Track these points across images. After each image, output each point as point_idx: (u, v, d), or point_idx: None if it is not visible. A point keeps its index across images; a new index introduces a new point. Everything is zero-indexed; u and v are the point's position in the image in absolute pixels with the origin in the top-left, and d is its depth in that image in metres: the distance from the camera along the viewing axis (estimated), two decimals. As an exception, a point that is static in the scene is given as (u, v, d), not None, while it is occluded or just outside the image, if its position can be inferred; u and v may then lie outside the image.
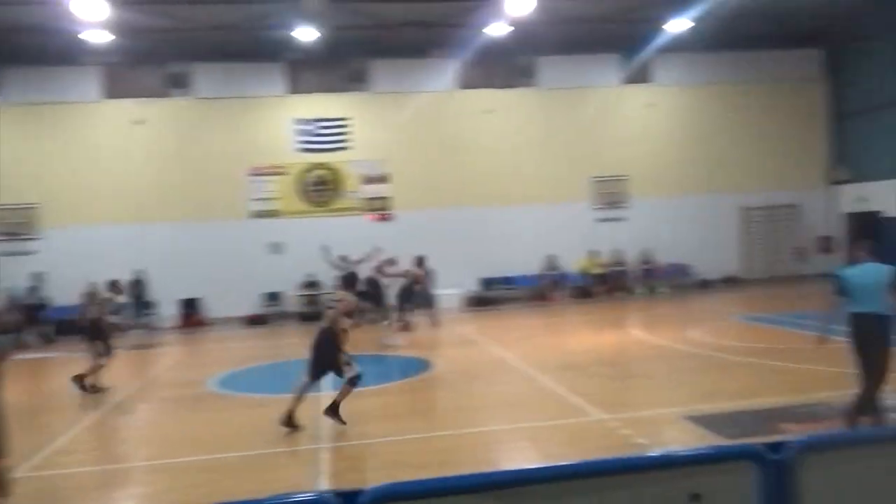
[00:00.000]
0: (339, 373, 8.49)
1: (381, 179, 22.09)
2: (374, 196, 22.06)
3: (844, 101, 23.84)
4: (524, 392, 10.14)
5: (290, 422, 8.33)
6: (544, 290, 22.14)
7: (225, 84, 21.35)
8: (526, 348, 13.67)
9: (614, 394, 9.72)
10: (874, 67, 22.40)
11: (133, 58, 20.46)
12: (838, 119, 24.07)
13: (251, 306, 20.86)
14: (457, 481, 2.62)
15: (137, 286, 19.59)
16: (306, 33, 19.24)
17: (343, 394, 8.48)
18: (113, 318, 11.72)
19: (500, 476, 2.90)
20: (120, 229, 20.34)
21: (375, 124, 22.06)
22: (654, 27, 21.24)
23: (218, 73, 21.34)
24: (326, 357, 8.47)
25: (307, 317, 20.44)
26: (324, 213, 21.77)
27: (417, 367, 12.35)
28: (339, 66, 21.97)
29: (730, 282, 23.19)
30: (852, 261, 7.59)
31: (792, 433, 7.18)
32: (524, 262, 22.34)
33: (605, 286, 22.26)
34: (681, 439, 7.37)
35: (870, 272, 7.16)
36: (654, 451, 5.59)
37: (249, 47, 20.79)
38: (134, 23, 18.37)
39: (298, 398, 8.47)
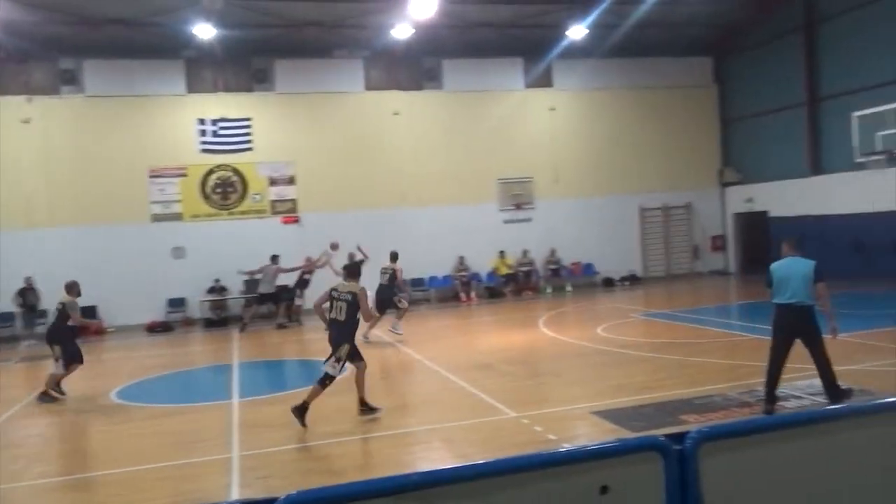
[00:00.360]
0: (327, 360, 8.49)
1: (288, 181, 21.72)
2: (280, 198, 21.66)
3: (731, 107, 25.26)
4: (438, 392, 10.20)
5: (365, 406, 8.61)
6: (456, 290, 22.37)
7: (120, 81, 20.43)
8: (438, 349, 13.75)
9: (525, 392, 9.91)
10: (755, 75, 23.85)
11: (21, 53, 19.31)
12: (726, 124, 25.44)
13: (154, 313, 20.08)
14: (373, 485, 2.61)
15: (27, 294, 18.52)
16: (205, 30, 18.68)
17: (312, 395, 8.36)
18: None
19: (417, 478, 2.91)
20: (7, 235, 19.11)
21: (280, 125, 21.67)
22: (555, 33, 21.87)
23: (112, 69, 20.40)
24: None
25: (214, 323, 19.89)
26: (229, 215, 21.21)
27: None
28: (241, 64, 21.45)
29: (631, 280, 24.10)
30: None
31: (692, 424, 7.52)
32: (434, 264, 22.49)
33: (514, 286, 22.69)
34: (589, 434, 7.60)
35: (793, 266, 7.73)
36: (565, 447, 5.74)
37: (146, 44, 20.01)
38: (22, 16, 17.35)
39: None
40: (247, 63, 21.47)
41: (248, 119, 21.34)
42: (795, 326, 7.65)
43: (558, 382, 10.51)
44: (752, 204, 24.11)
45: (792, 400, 8.18)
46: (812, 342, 7.64)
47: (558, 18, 21.22)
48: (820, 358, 7.63)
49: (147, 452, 7.99)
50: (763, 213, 23.63)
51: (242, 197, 21.38)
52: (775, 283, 7.79)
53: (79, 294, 11.26)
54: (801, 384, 8.84)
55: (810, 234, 21.30)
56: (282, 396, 10.52)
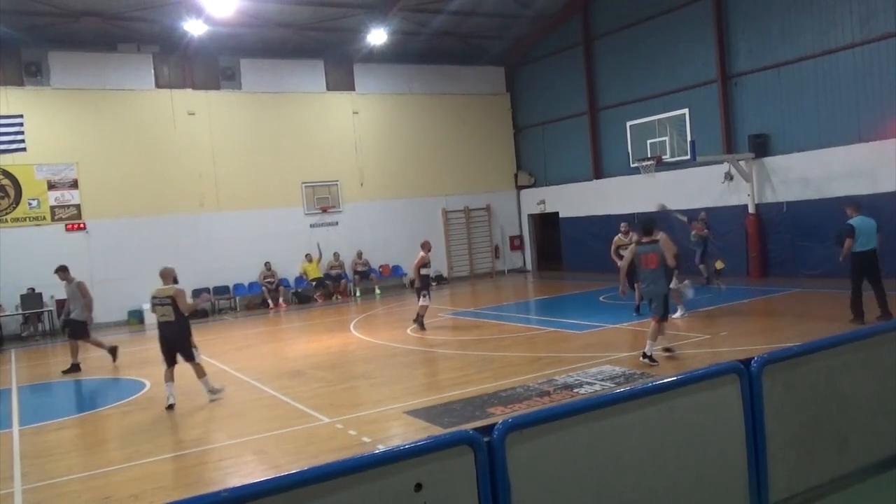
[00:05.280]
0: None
1: (70, 185, 19.87)
2: (61, 204, 19.76)
3: (522, 115, 26.90)
4: (247, 404, 9.84)
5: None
6: (263, 297, 21.72)
7: None
8: (246, 358, 13.27)
9: (338, 396, 9.86)
10: (543, 86, 25.61)
11: None
12: (518, 130, 27.05)
13: None
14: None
15: None
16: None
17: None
18: None
19: (226, 494, 2.80)
20: None
21: (59, 124, 19.78)
22: (355, 37, 22.02)
23: None
24: None
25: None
26: (1, 224, 18.98)
27: (130, 388, 11.36)
28: (8, 55, 19.23)
29: (438, 280, 24.81)
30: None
31: (499, 415, 7.91)
32: (239, 270, 21.72)
33: (323, 290, 22.47)
34: (403, 433, 7.72)
35: (865, 222, 10.97)
36: (380, 448, 5.80)
37: None
38: None
39: None
40: (15, 54, 19.31)
41: (18, 116, 19.14)
42: (870, 265, 10.86)
43: (370, 385, 10.57)
44: (544, 206, 25.84)
45: (585, 386, 8.88)
46: (877, 276, 10.98)
47: (357, 22, 21.36)
48: (880, 287, 10.98)
49: None
50: (554, 214, 25.42)
51: (16, 203, 19.23)
52: (857, 236, 10.80)
53: None
54: (591, 371, 9.63)
55: (595, 232, 23.29)
56: (68, 421, 9.63)
